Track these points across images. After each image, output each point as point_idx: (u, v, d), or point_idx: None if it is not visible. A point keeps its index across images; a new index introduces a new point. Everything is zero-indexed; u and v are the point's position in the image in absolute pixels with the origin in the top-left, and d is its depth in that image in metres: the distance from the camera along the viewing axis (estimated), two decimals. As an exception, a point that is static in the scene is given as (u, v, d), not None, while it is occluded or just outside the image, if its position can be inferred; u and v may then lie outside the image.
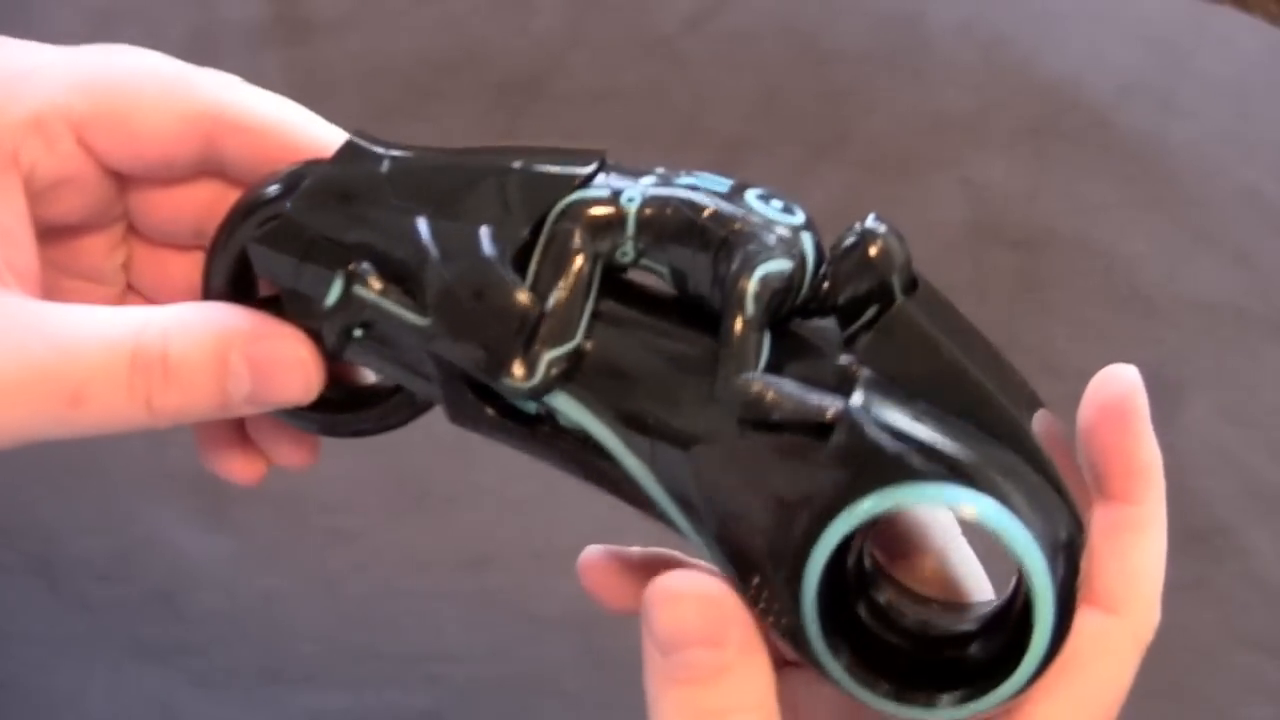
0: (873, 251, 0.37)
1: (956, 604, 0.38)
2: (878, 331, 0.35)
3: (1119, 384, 0.36)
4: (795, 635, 0.35)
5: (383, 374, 0.40)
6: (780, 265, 0.35)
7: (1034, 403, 0.37)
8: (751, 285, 0.35)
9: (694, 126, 0.77)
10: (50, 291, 0.40)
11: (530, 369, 0.36)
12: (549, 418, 0.38)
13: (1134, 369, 0.36)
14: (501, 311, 0.36)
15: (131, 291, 0.44)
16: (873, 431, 0.34)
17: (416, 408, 0.42)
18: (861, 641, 0.36)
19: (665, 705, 0.36)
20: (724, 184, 0.37)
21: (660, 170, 0.37)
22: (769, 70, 0.80)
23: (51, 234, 0.41)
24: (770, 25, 0.81)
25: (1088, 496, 0.37)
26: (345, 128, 0.41)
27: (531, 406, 0.38)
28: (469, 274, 0.36)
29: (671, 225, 0.36)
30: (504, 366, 0.36)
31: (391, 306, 0.37)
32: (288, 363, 0.38)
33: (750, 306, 0.35)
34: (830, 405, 0.34)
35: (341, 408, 0.42)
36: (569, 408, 0.37)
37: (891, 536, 0.40)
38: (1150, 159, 0.77)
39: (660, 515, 0.37)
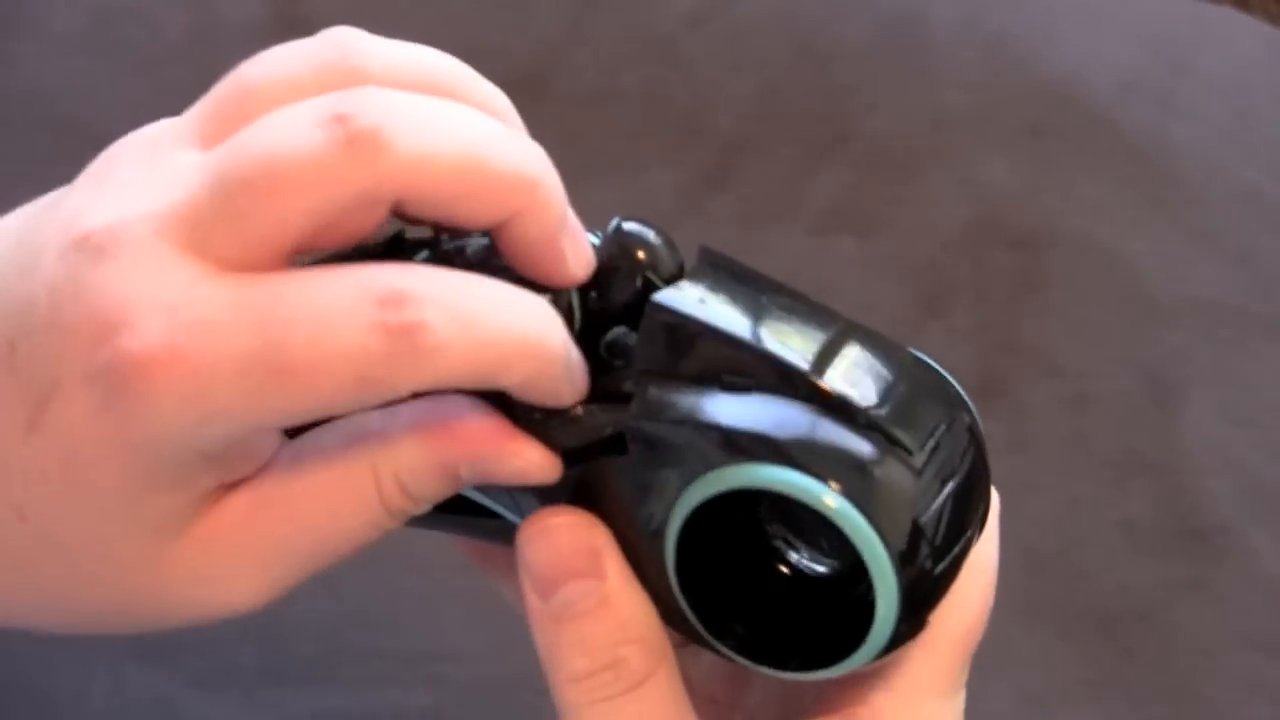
0: (636, 257, 0.37)
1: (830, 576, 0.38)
2: (640, 335, 0.36)
3: None
4: (676, 617, 0.36)
5: None
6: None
7: (848, 352, 0.35)
8: None
9: (694, 126, 0.77)
10: None
11: None
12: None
13: None
14: None
15: None
16: (650, 442, 0.35)
17: None
18: (732, 602, 0.36)
19: (559, 649, 0.36)
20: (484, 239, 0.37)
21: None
22: (769, 70, 0.80)
23: None
24: (771, 25, 0.81)
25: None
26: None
27: None
28: None
29: None
30: None
31: None
32: (515, 463, 0.36)
33: None
34: (610, 423, 0.35)
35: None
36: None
37: None
38: (1150, 159, 0.77)
39: None
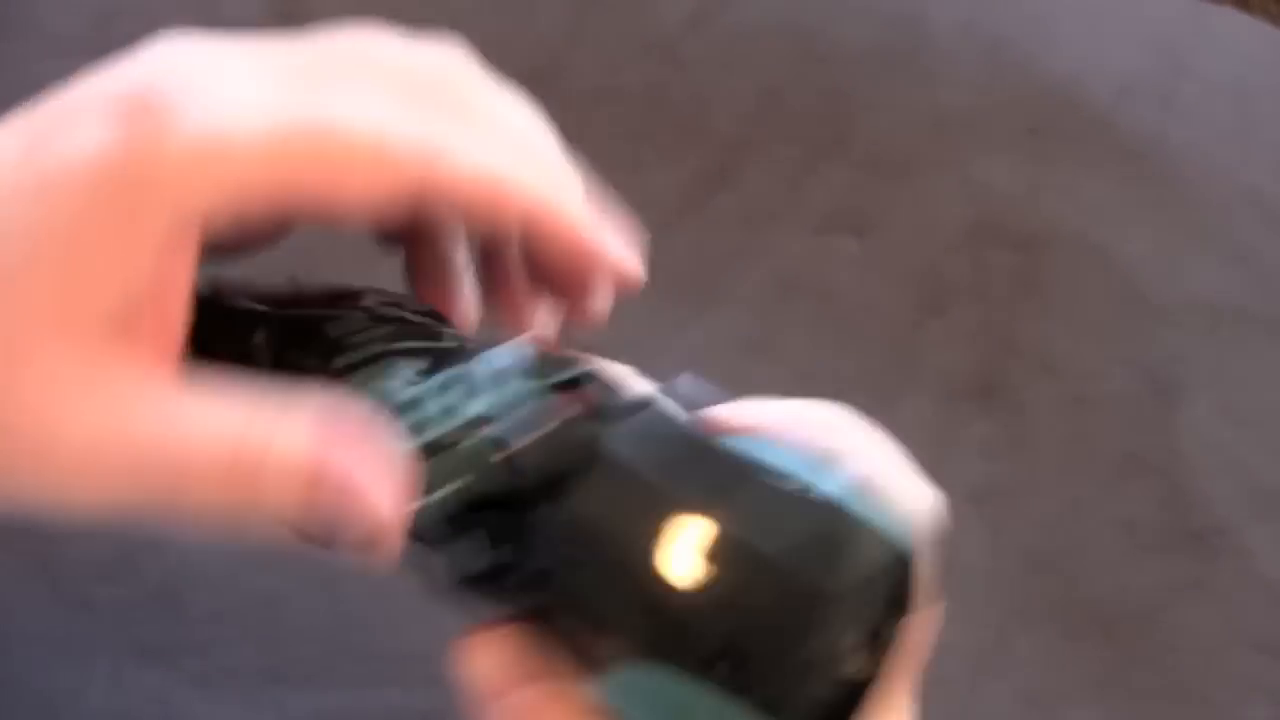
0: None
1: None
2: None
3: None
4: None
5: None
6: (449, 490, 0.36)
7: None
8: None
9: (694, 126, 0.77)
10: None
11: None
12: None
13: None
14: None
15: None
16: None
17: None
18: None
19: None
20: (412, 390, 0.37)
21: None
22: (769, 70, 0.79)
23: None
24: (770, 25, 0.81)
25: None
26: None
27: None
28: None
29: None
30: None
31: None
32: (371, 504, 0.36)
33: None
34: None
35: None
36: None
37: None
38: (1150, 159, 0.77)
39: None
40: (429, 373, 0.38)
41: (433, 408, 0.37)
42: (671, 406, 0.36)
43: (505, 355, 0.37)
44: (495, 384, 0.37)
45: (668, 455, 0.35)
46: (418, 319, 0.40)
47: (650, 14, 0.80)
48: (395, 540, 0.35)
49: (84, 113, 0.36)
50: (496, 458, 0.36)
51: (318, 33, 0.39)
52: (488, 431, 0.36)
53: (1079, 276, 0.73)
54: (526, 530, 0.36)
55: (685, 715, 0.34)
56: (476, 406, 0.36)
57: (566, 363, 0.37)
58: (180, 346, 0.36)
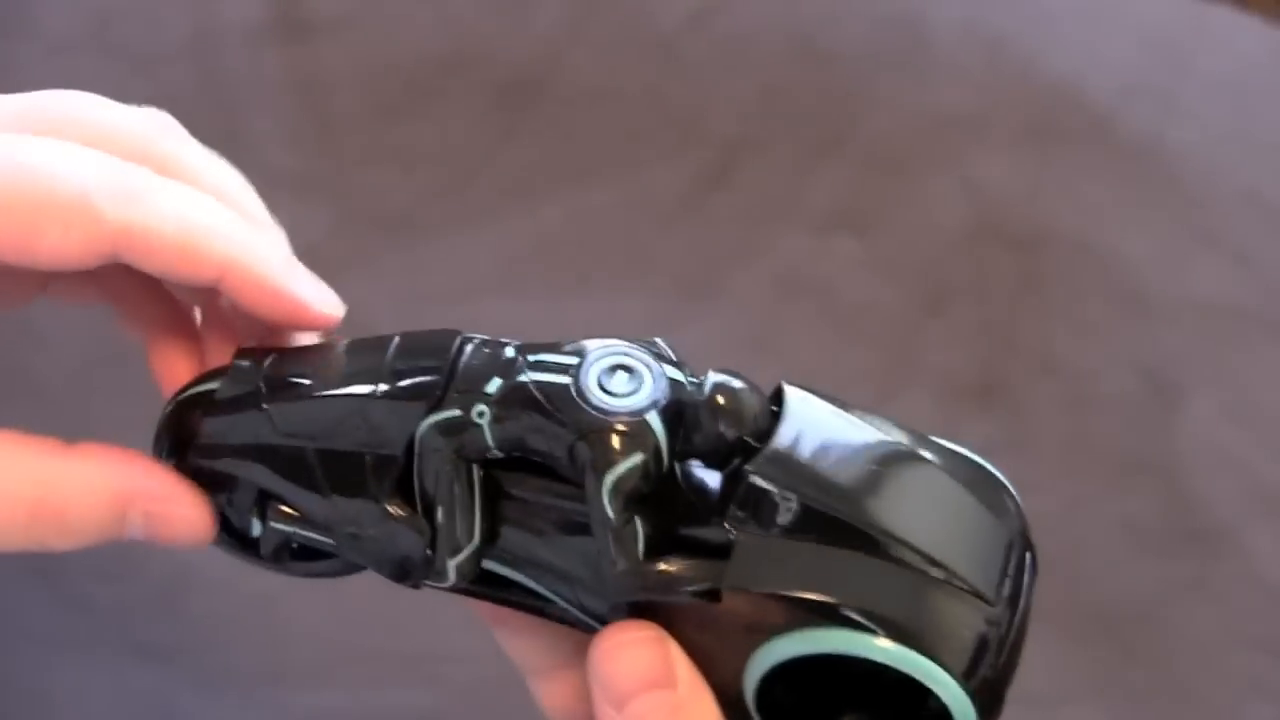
0: (723, 430, 0.37)
1: None
2: (738, 500, 0.37)
3: None
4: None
5: (332, 571, 0.43)
6: (631, 463, 0.37)
7: (922, 468, 0.38)
8: (606, 491, 0.37)
9: (694, 126, 0.77)
10: None
11: (441, 576, 0.39)
12: (485, 576, 0.40)
13: None
14: (395, 542, 0.39)
15: None
16: (754, 589, 0.36)
17: None
18: None
19: None
20: (566, 373, 0.38)
21: (515, 345, 0.39)
22: (769, 70, 0.80)
23: None
24: (770, 25, 0.81)
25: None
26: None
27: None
28: (356, 512, 0.39)
29: (522, 430, 0.38)
30: (418, 578, 0.39)
31: (306, 534, 0.41)
32: (182, 522, 0.41)
33: (609, 511, 0.37)
34: (706, 580, 0.37)
35: (290, 558, 0.44)
36: (501, 570, 0.40)
37: None
38: (1150, 159, 0.77)
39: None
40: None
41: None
42: None
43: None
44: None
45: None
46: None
47: (650, 14, 0.80)
48: (207, 539, 0.41)
49: None
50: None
51: (23, 95, 0.41)
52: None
53: (1079, 276, 0.73)
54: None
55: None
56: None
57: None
58: None
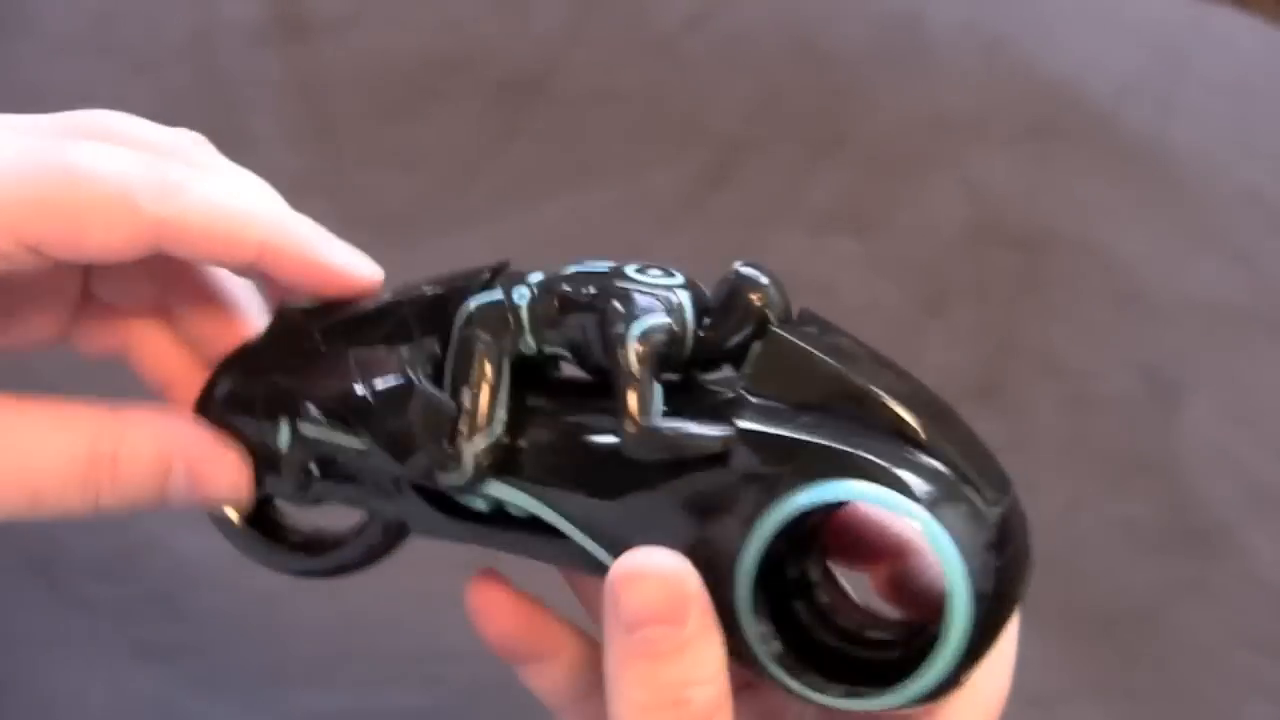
0: (753, 299, 0.39)
1: (885, 616, 0.41)
2: (756, 359, 0.38)
3: None
4: (732, 631, 0.38)
5: (350, 504, 0.43)
6: (658, 320, 0.38)
7: (936, 408, 0.38)
8: (632, 341, 0.38)
9: (694, 126, 0.77)
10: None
11: (459, 462, 0.39)
12: (500, 513, 0.41)
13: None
14: (422, 419, 0.40)
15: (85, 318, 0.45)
16: (761, 447, 0.37)
17: (389, 536, 0.44)
18: (793, 636, 0.38)
19: (626, 679, 0.38)
20: (604, 265, 0.40)
21: (547, 270, 0.41)
22: (769, 70, 0.80)
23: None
24: (770, 25, 0.81)
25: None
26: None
27: (481, 504, 0.41)
28: (388, 391, 0.41)
29: (559, 308, 0.39)
30: (437, 467, 0.40)
31: (333, 435, 0.41)
32: (222, 479, 0.42)
33: (633, 361, 0.38)
34: (721, 432, 0.37)
35: (313, 550, 0.45)
36: (515, 497, 0.40)
37: (851, 542, 0.41)
38: (1150, 159, 0.77)
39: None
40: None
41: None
42: None
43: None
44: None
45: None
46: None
47: (650, 14, 0.81)
48: (245, 496, 0.43)
49: None
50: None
51: (61, 114, 0.42)
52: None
53: (1079, 276, 0.73)
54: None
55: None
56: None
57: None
58: None
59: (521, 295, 0.39)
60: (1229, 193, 0.77)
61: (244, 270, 0.43)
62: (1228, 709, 0.61)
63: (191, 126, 0.43)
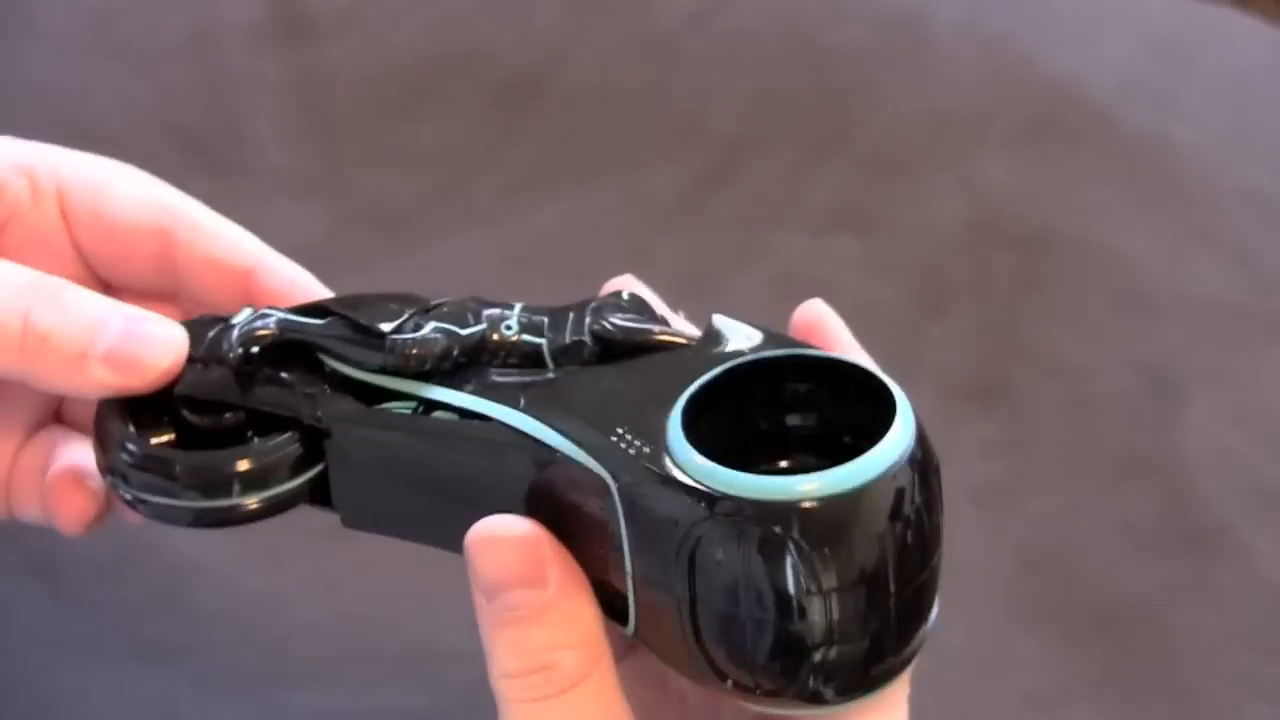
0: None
1: None
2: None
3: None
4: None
5: (274, 404, 0.43)
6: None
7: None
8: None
9: (694, 126, 0.77)
10: None
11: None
12: (427, 408, 0.42)
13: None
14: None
15: None
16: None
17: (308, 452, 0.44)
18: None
19: (496, 647, 0.38)
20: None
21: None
22: (769, 70, 0.80)
23: None
24: (770, 25, 0.81)
25: None
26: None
27: (409, 406, 0.42)
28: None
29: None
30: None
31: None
32: (156, 337, 0.42)
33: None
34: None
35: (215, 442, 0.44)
36: (444, 396, 0.41)
37: None
38: (1150, 159, 0.77)
39: (548, 454, 0.40)
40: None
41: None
42: None
43: None
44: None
45: None
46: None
47: (650, 14, 0.81)
48: (181, 350, 0.42)
49: None
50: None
51: None
52: None
53: (1079, 276, 0.73)
54: None
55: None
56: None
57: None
58: None
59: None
60: (1229, 192, 0.77)
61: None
62: (1228, 709, 0.61)
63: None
